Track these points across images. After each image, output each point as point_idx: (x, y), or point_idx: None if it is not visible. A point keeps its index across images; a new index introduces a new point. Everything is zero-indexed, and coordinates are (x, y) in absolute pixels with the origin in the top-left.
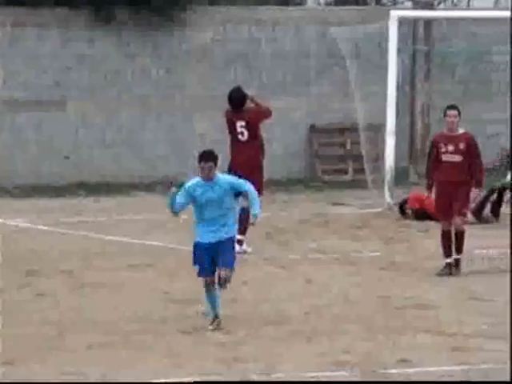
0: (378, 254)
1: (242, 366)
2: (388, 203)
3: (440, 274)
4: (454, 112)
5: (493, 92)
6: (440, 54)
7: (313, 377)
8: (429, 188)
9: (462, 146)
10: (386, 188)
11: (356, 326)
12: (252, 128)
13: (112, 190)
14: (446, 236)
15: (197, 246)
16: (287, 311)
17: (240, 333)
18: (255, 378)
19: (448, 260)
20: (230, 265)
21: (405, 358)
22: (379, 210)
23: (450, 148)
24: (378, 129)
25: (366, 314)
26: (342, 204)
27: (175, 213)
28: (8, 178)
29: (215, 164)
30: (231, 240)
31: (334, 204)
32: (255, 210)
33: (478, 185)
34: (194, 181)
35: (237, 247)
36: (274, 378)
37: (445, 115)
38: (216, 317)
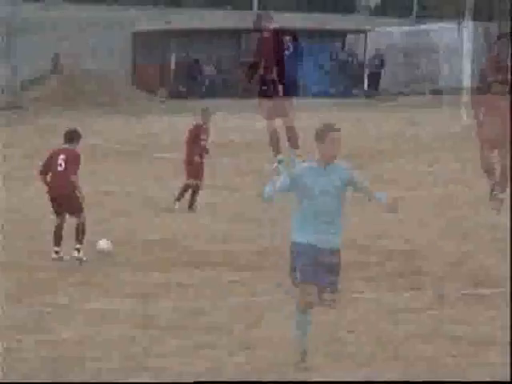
0: None
1: None
2: None
3: None
4: None
5: None
6: None
7: None
8: None
9: None
10: None
11: None
12: None
13: None
14: None
15: (296, 247)
16: None
17: None
18: None
19: None
20: (336, 287)
21: None
22: None
23: None
24: None
25: None
26: None
27: (265, 197)
28: None
29: None
30: (339, 255)
31: None
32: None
33: None
34: (302, 166)
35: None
36: None
37: None
38: (305, 351)
